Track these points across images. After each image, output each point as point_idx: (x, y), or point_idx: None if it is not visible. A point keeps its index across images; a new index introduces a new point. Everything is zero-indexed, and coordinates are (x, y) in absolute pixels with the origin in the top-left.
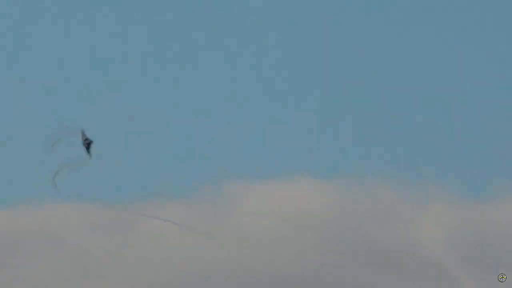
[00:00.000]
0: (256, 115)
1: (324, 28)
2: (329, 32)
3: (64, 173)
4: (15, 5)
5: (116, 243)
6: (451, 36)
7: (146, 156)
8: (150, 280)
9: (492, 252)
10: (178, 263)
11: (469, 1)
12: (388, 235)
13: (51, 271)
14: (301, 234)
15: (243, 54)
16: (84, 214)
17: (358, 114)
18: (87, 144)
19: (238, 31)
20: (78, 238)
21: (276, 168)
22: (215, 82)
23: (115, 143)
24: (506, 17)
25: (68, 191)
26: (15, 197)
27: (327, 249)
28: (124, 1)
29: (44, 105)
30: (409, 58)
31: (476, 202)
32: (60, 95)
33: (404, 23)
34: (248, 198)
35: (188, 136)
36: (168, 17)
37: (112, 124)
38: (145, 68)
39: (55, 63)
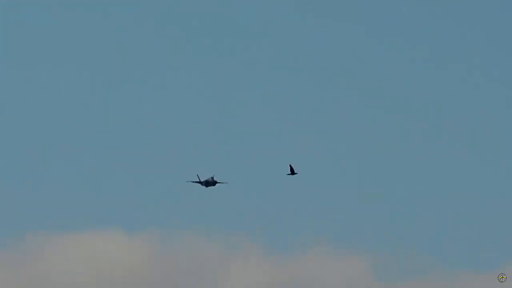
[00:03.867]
0: (65, 170)
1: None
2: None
3: None
4: None
5: None
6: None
7: None
8: None
9: None
10: None
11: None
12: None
13: None
14: (109, 284)
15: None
16: None
17: (166, 170)
18: (211, 182)
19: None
20: None
21: (88, 220)
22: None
23: None
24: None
25: None
26: None
27: None
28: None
29: None
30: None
31: (283, 256)
32: None
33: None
34: (57, 249)
35: None
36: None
37: None
38: None
39: None
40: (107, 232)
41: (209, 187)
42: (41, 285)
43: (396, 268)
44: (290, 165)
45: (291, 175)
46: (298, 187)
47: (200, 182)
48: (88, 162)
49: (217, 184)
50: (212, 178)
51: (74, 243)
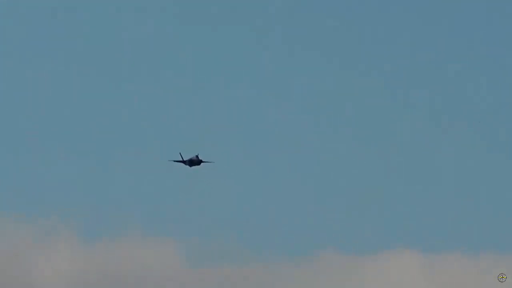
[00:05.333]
0: None
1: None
2: None
3: None
4: None
5: None
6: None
7: None
8: None
9: (118, 284)
10: None
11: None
12: (8, 275)
13: None
14: None
15: None
16: None
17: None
18: (196, 161)
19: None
20: None
21: None
22: None
23: None
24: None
25: None
26: None
27: None
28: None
29: None
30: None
31: (95, 241)
32: None
33: None
34: None
35: None
36: None
37: None
38: None
39: None
40: None
41: (193, 167)
42: None
43: (208, 255)
44: None
45: None
46: (118, 175)
47: (183, 162)
48: None
49: (202, 163)
50: (197, 156)
51: None
